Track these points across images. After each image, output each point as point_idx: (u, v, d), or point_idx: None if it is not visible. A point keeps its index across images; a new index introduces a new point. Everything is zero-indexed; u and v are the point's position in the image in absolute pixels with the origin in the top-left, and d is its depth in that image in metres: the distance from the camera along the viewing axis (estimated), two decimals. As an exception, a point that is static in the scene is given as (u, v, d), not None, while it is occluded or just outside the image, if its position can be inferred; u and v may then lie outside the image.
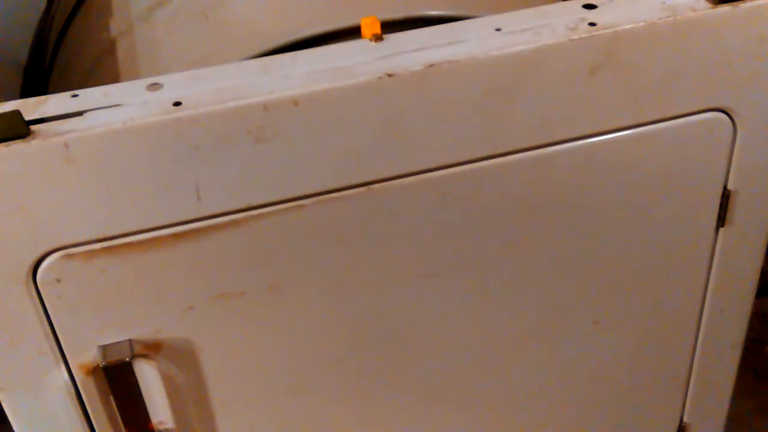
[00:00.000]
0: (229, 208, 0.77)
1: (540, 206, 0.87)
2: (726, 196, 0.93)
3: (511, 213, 0.87)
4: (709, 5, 0.81)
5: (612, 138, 0.85)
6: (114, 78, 1.02)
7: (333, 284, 0.85)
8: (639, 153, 0.87)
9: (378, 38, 0.79)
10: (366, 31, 0.81)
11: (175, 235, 0.77)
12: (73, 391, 0.82)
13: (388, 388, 0.96)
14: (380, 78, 0.75)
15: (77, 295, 0.77)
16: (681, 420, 1.12)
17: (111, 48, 1.08)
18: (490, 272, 0.90)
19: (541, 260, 0.91)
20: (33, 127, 0.70)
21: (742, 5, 0.81)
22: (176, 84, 0.75)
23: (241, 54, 0.89)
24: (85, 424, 0.84)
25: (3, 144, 0.69)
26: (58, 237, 0.74)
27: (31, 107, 0.73)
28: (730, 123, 0.88)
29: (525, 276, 0.92)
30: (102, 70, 1.07)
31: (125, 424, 0.83)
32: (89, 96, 0.75)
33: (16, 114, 0.70)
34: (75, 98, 0.75)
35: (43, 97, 0.75)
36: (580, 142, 0.84)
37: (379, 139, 0.78)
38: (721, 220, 0.95)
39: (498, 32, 0.79)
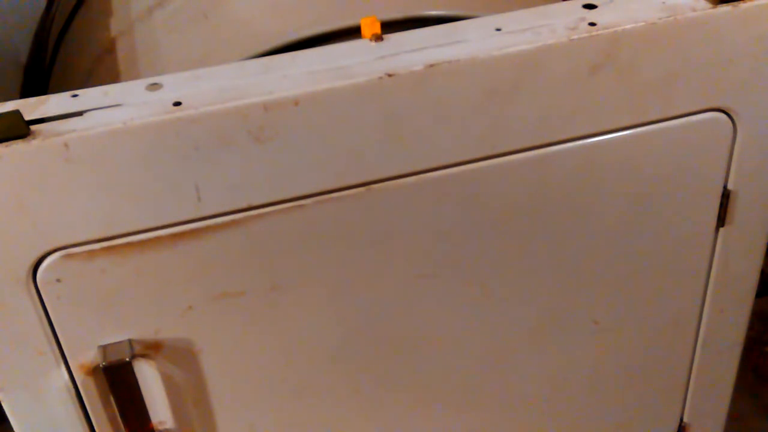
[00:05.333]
0: (229, 208, 0.77)
1: (540, 206, 0.87)
2: (726, 196, 0.93)
3: (511, 213, 0.87)
4: (709, 5, 0.81)
5: (612, 138, 0.85)
6: (114, 78, 1.02)
7: (333, 284, 0.85)
8: (639, 153, 0.87)
9: (378, 38, 0.79)
10: (366, 31, 0.81)
11: (175, 235, 0.77)
12: (73, 391, 0.82)
13: (388, 388, 0.96)
14: (380, 78, 0.75)
15: (77, 295, 0.77)
16: (681, 420, 1.12)
17: (111, 48, 1.08)
18: (490, 272, 0.90)
19: (541, 260, 0.91)
20: (33, 127, 0.70)
21: (742, 5, 0.81)
22: (176, 84, 0.75)
23: (241, 54, 0.89)
24: (85, 424, 0.84)
25: (3, 144, 0.69)
26: (58, 237, 0.74)
27: (31, 107, 0.73)
28: (730, 123, 0.88)
29: (525, 276, 0.92)
30: (102, 70, 1.07)
31: (125, 424, 0.83)
32: (89, 96, 0.75)
33: (16, 114, 0.70)
34: (75, 98, 0.75)
35: (43, 97, 0.75)
36: (580, 142, 0.84)
37: (379, 139, 0.78)
38: (721, 220, 0.95)
39: (498, 32, 0.79)
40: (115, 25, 1.11)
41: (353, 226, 0.82)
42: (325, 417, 0.95)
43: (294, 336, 0.87)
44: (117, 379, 0.80)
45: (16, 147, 0.69)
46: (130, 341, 0.80)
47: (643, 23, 0.79)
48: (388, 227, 0.83)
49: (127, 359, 0.79)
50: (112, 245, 0.76)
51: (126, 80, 0.80)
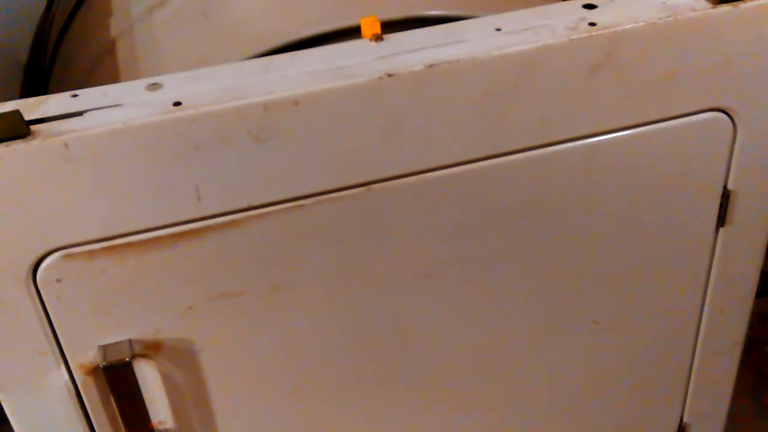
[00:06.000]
0: (229, 208, 0.77)
1: (540, 206, 0.87)
2: (726, 196, 0.93)
3: (511, 213, 0.87)
4: (709, 5, 0.81)
5: (612, 138, 0.85)
6: (114, 78, 1.02)
7: (333, 284, 0.85)
8: (639, 153, 0.87)
9: (378, 38, 0.79)
10: (366, 31, 0.81)
11: (175, 235, 0.77)
12: (73, 391, 0.82)
13: (388, 389, 0.96)
14: (380, 78, 0.75)
15: (77, 295, 0.77)
16: (681, 420, 1.12)
17: (111, 48, 1.08)
18: (491, 272, 0.90)
19: (541, 260, 0.91)
20: (33, 127, 0.70)
21: (742, 5, 0.81)
22: (176, 84, 0.75)
23: (241, 54, 0.89)
24: (85, 424, 0.84)
25: (3, 144, 0.69)
26: (58, 237, 0.74)
27: (31, 107, 0.73)
28: (730, 123, 0.88)
29: (525, 276, 0.92)
30: (102, 70, 1.07)
31: (125, 424, 0.83)
32: (89, 96, 0.75)
33: (16, 114, 0.70)
34: (75, 98, 0.75)
35: (43, 97, 0.75)
36: (580, 142, 0.84)
37: (379, 139, 0.78)
38: (721, 220, 0.95)
39: (498, 32, 0.79)
40: (115, 25, 1.11)
41: (353, 226, 0.82)
42: (325, 417, 0.95)
43: (294, 336, 0.87)
44: (117, 379, 0.80)
45: (16, 147, 0.69)
46: (130, 341, 0.80)
47: (643, 23, 0.79)
48: (388, 227, 0.83)
49: (127, 359, 0.79)
50: (112, 245, 0.76)
51: (126, 80, 0.80)
